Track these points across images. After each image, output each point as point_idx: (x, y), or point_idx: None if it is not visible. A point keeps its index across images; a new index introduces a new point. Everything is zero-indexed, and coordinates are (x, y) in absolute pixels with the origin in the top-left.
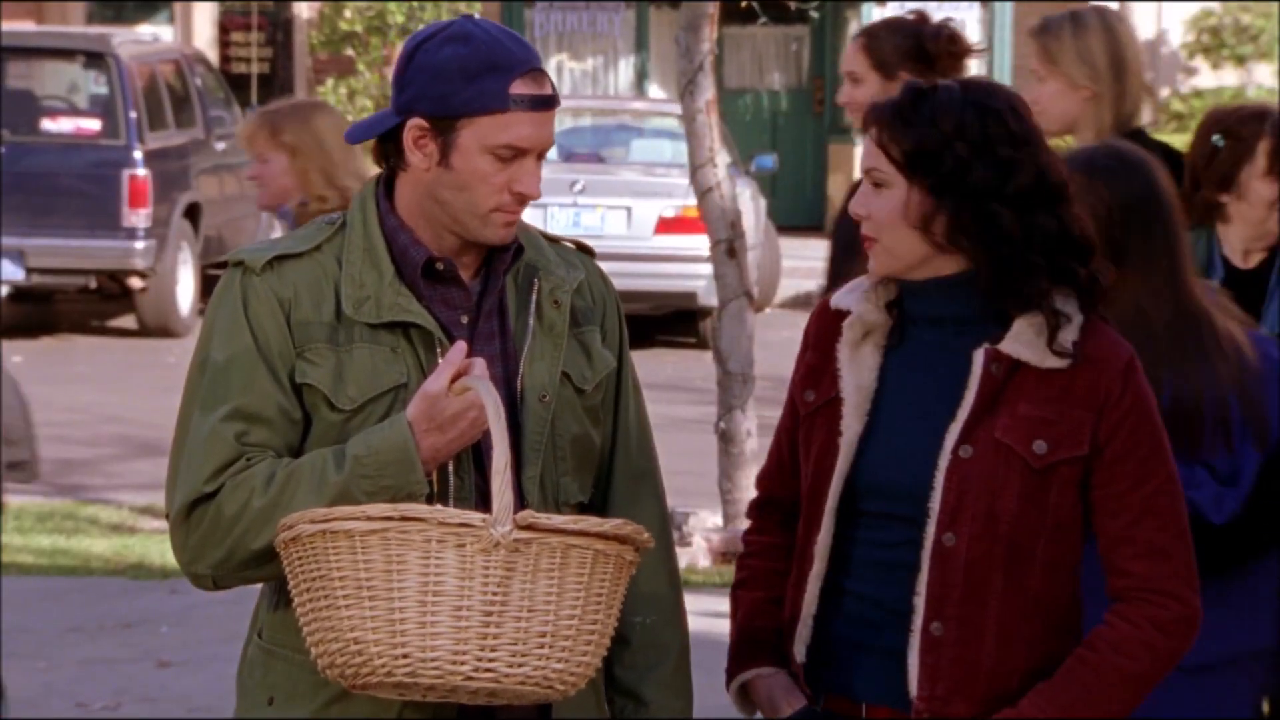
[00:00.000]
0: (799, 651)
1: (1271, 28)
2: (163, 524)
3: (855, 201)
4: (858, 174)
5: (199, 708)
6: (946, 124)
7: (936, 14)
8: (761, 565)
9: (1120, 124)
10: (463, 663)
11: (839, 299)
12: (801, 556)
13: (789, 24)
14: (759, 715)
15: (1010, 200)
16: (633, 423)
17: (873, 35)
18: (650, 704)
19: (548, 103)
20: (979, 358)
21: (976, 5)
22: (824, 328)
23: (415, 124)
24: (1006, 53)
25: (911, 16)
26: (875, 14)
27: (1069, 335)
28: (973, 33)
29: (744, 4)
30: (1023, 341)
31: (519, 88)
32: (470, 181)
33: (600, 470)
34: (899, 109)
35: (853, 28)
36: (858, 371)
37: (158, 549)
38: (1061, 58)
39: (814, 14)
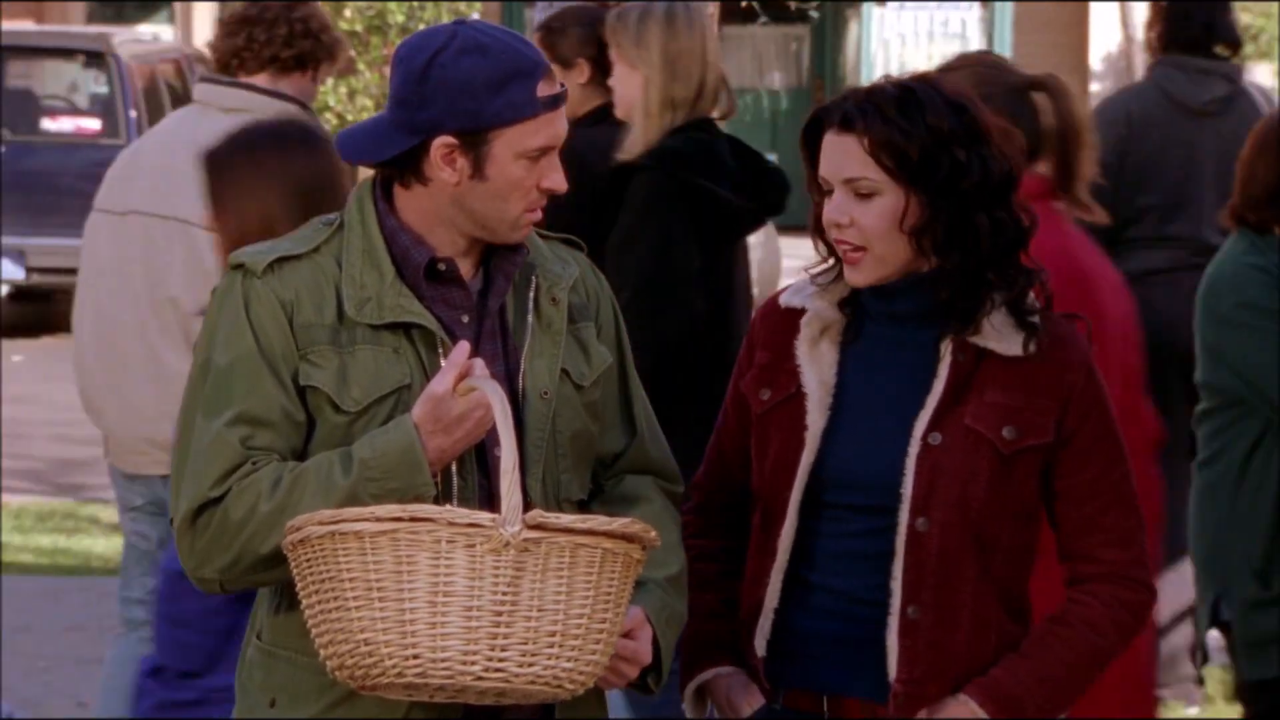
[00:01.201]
0: (759, 646)
1: (1271, 28)
2: None
3: (835, 210)
4: None
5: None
6: (942, 127)
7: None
8: (710, 569)
9: (686, 111)
10: (473, 663)
11: (788, 298)
12: (761, 552)
13: (789, 24)
14: (714, 715)
15: (990, 200)
16: (643, 415)
17: (550, 29)
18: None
19: (565, 98)
20: (947, 348)
21: (976, 5)
22: (775, 326)
23: (443, 142)
24: (1006, 52)
25: (590, 3)
26: (875, 13)
27: (1035, 320)
28: (973, 32)
29: (744, 4)
30: (988, 330)
31: (542, 89)
32: (505, 189)
33: (619, 465)
34: (888, 116)
35: (853, 28)
36: (818, 367)
37: None
38: (624, 42)
39: (814, 14)
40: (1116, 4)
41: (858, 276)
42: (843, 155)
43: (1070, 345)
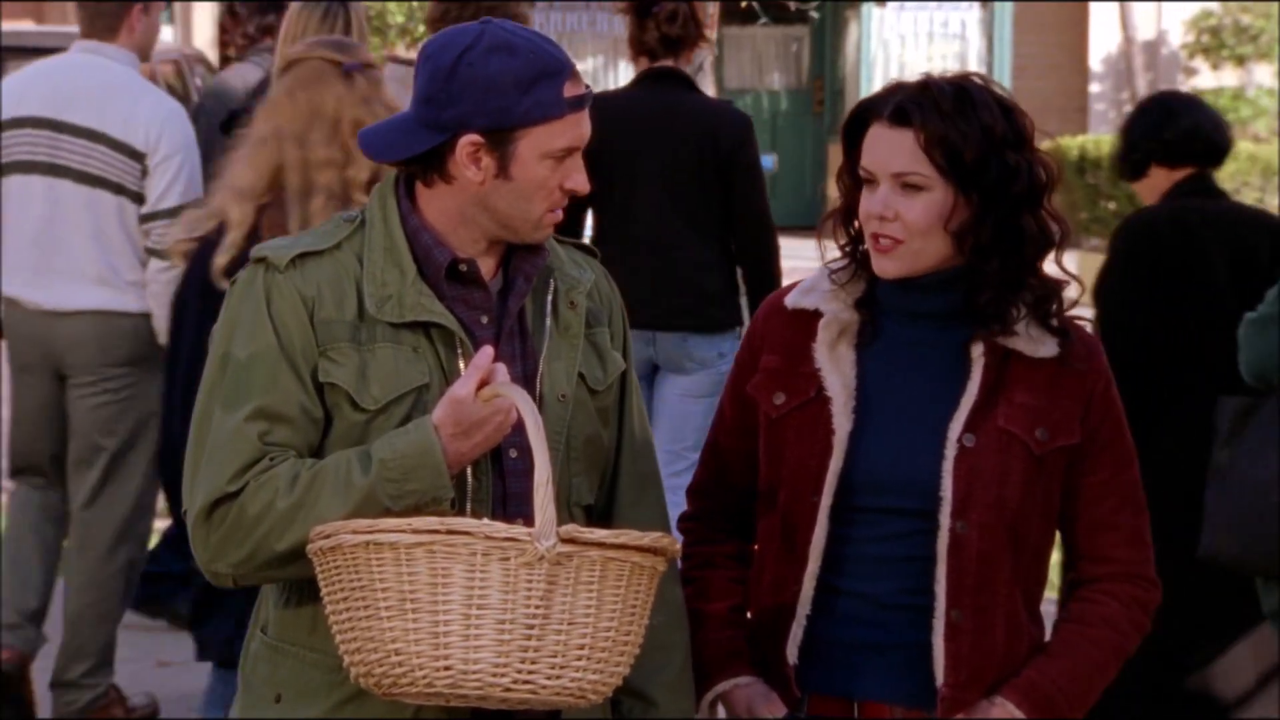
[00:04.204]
0: (791, 654)
1: (1271, 28)
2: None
3: (878, 203)
4: None
5: (199, 708)
6: (995, 128)
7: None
8: (717, 575)
9: None
10: (503, 675)
11: (796, 299)
12: (783, 558)
13: (789, 24)
14: None
15: (1033, 204)
16: (636, 425)
17: None
18: (659, 705)
19: (590, 99)
20: (979, 349)
21: (976, 5)
22: (781, 328)
23: (469, 140)
24: (1006, 53)
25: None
26: (875, 14)
27: (1061, 323)
28: (972, 33)
29: (744, 4)
30: (1018, 332)
31: (569, 90)
32: (530, 189)
33: (605, 473)
34: (944, 113)
35: (852, 28)
36: (840, 371)
37: None
38: None
39: (814, 14)
40: (1116, 4)
41: (890, 266)
42: (893, 149)
43: (1089, 347)
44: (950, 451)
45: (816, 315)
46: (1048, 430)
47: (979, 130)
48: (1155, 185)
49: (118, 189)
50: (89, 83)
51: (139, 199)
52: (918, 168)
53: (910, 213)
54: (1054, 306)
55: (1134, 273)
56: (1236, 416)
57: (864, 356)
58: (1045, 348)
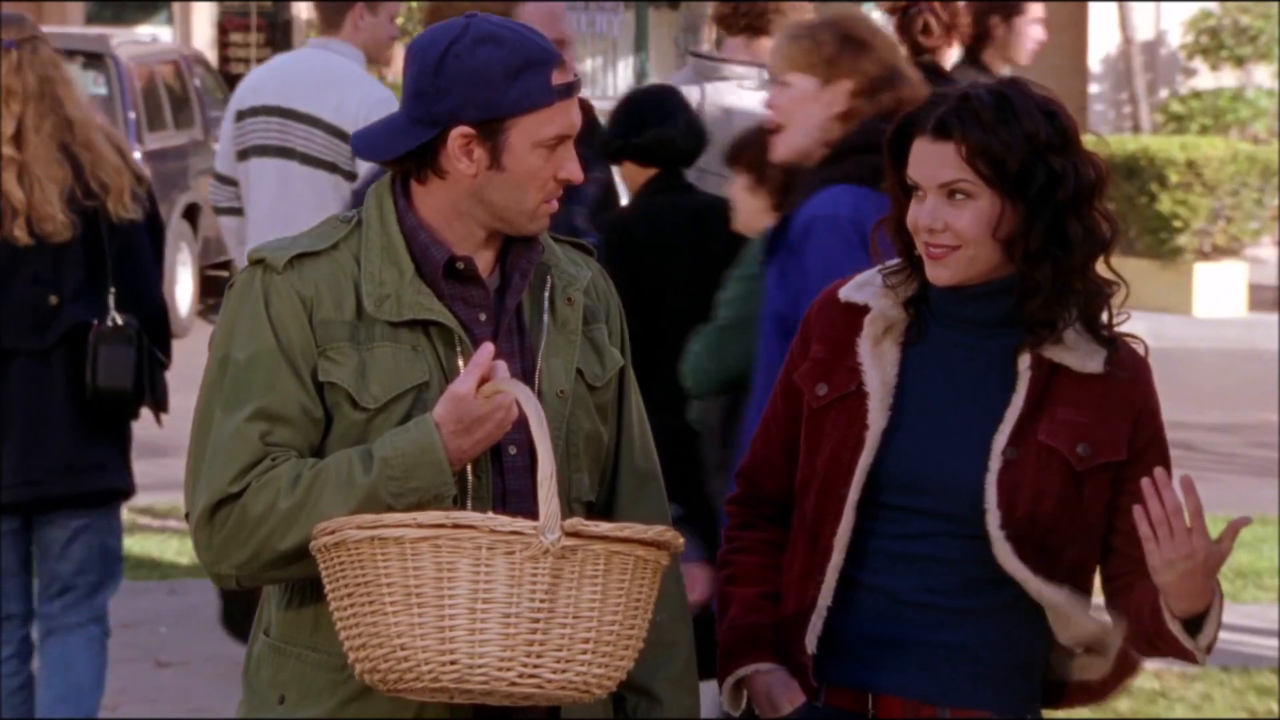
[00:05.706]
0: (810, 643)
1: (1270, 29)
2: (162, 524)
3: (927, 214)
4: None
5: (198, 708)
6: (1039, 135)
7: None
8: (752, 561)
9: None
10: (509, 669)
11: (849, 293)
12: (810, 549)
13: None
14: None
15: (1080, 207)
16: (636, 422)
17: None
18: (663, 701)
19: (579, 87)
20: (1025, 361)
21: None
22: (832, 320)
23: (460, 132)
24: None
25: None
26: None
27: (1110, 336)
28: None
29: None
30: (1065, 344)
31: (557, 78)
32: (523, 180)
33: (605, 469)
34: (985, 123)
35: None
36: (881, 367)
37: (157, 549)
38: None
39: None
40: (1115, 5)
41: (944, 273)
42: (938, 161)
43: (1137, 363)
44: (995, 464)
45: (866, 310)
46: (1090, 446)
47: (1021, 138)
48: (631, 176)
49: (332, 168)
50: (312, 74)
51: (351, 177)
52: (963, 175)
53: (959, 222)
54: (1104, 313)
55: (613, 269)
56: (725, 416)
57: (908, 355)
58: (1093, 362)
